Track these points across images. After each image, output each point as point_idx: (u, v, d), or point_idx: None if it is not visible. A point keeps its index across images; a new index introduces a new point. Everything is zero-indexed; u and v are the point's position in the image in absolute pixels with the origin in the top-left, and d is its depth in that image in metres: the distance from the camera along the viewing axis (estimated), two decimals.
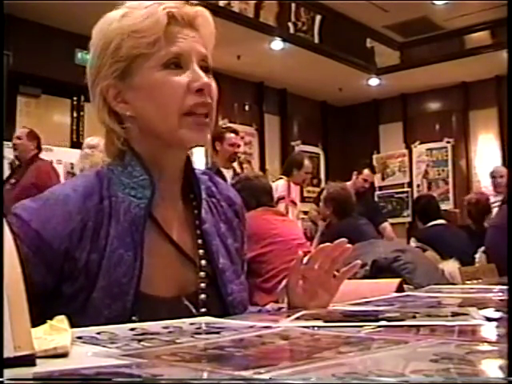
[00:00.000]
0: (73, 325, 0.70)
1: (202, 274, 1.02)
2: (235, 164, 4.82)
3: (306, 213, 5.96)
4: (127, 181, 1.00)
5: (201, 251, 1.04)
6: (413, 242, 4.05)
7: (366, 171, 5.56)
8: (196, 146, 1.01)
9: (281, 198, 4.86)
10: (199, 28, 1.01)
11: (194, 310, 0.99)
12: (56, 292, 0.93)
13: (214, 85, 1.00)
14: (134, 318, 0.92)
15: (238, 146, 4.56)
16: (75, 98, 5.63)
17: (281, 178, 5.14)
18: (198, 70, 0.97)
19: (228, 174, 4.40)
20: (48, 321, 0.69)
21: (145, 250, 0.96)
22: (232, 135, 4.50)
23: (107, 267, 0.93)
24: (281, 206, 4.67)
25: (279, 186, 4.96)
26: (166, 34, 0.96)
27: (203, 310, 1.00)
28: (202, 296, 1.01)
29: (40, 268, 0.91)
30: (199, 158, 5.01)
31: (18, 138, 4.40)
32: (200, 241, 1.04)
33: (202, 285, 1.02)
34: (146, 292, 0.95)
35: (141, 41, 0.95)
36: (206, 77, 0.98)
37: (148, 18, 0.95)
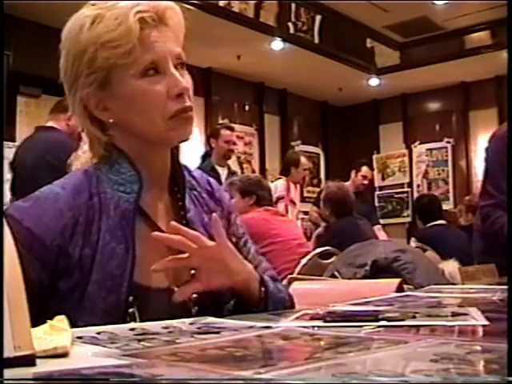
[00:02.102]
0: (70, 320, 0.70)
1: None
2: (234, 163, 4.82)
3: (306, 213, 5.96)
4: (115, 178, 1.02)
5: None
6: (413, 242, 4.05)
7: (365, 168, 5.56)
8: (184, 141, 1.04)
9: (280, 198, 4.86)
10: (168, 22, 1.01)
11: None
12: (52, 289, 0.94)
13: (188, 80, 1.02)
14: (130, 310, 0.93)
15: (234, 143, 4.51)
16: None
17: (279, 178, 5.14)
18: (175, 74, 0.99)
19: (223, 172, 4.38)
20: (48, 321, 0.69)
21: (137, 242, 0.98)
22: (227, 132, 4.45)
23: (100, 261, 0.95)
24: (280, 206, 4.67)
25: (278, 185, 4.96)
26: (140, 40, 0.96)
27: (194, 295, 1.01)
28: None
29: (34, 265, 0.92)
30: (198, 158, 4.97)
31: None
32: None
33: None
34: (141, 282, 0.97)
35: (116, 51, 0.95)
36: (182, 78, 0.99)
37: (120, 25, 0.94)
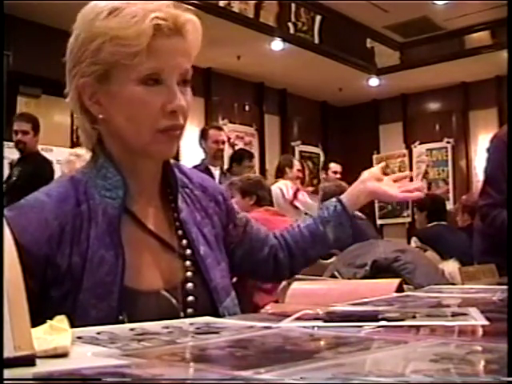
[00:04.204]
0: None
1: (188, 263, 1.04)
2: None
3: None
4: (102, 183, 1.01)
5: (184, 241, 1.06)
6: (414, 242, 4.05)
7: (333, 164, 5.68)
8: (166, 158, 1.05)
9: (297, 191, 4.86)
10: (186, 35, 0.98)
11: (173, 301, 1.00)
12: (44, 297, 0.93)
13: (188, 99, 0.99)
14: (121, 317, 0.93)
15: (223, 142, 4.54)
16: None
17: (277, 181, 5.13)
18: (175, 89, 0.96)
19: (216, 172, 4.40)
20: (48, 321, 0.69)
21: (129, 247, 0.97)
22: (216, 132, 4.48)
23: (90, 269, 0.94)
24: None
25: (288, 187, 4.91)
26: (149, 46, 0.93)
27: (190, 298, 1.02)
28: (189, 285, 1.03)
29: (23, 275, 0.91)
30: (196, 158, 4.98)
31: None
32: (180, 232, 1.06)
33: (189, 274, 1.03)
34: (132, 286, 0.96)
35: (122, 49, 0.93)
36: (183, 95, 0.97)
37: (134, 25, 0.92)
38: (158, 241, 1.04)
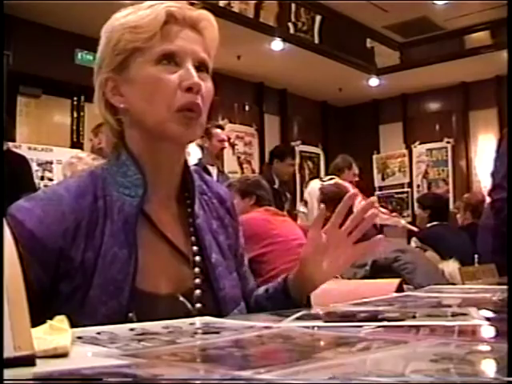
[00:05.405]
0: (71, 323, 0.70)
1: (197, 269, 1.04)
2: (234, 163, 4.83)
3: None
4: (122, 180, 1.02)
5: (195, 248, 1.05)
6: (414, 242, 4.05)
7: (354, 166, 5.77)
8: (185, 141, 1.04)
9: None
10: (202, 31, 1.04)
11: (189, 305, 1.00)
12: (53, 291, 0.94)
13: (207, 85, 1.02)
14: (130, 314, 0.93)
15: (226, 141, 4.57)
16: (75, 98, 5.63)
17: (333, 179, 5.11)
18: (190, 69, 0.99)
19: (213, 171, 4.40)
20: (48, 321, 0.69)
21: (140, 248, 0.97)
22: (219, 131, 4.50)
23: (102, 265, 0.95)
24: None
25: (349, 188, 4.85)
26: (163, 31, 0.99)
27: (198, 305, 1.01)
28: (197, 292, 1.02)
29: (35, 267, 0.91)
30: (195, 156, 4.97)
31: None
32: (193, 238, 1.06)
33: (197, 280, 1.03)
34: (142, 288, 0.96)
35: (138, 36, 0.98)
36: (198, 76, 1.00)
37: (149, 15, 0.99)
38: (170, 245, 1.03)
